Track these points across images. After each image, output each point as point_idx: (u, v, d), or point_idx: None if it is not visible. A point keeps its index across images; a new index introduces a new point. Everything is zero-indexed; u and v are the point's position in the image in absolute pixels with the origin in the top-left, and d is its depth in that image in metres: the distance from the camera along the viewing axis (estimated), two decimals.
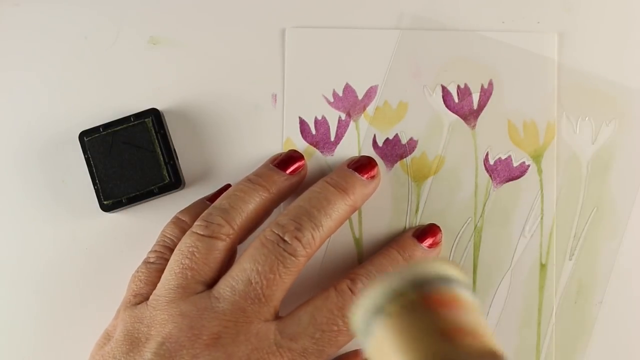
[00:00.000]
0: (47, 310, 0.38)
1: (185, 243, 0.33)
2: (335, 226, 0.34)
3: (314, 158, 0.38)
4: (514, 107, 0.38)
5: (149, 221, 0.38)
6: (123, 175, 0.37)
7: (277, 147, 0.38)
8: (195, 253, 0.33)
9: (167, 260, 0.35)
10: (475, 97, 0.38)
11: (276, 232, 0.32)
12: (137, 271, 0.35)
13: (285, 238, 0.32)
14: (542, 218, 0.38)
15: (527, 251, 0.37)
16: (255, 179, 0.35)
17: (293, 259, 0.32)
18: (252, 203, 0.34)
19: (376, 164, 0.36)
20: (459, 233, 0.38)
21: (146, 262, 0.35)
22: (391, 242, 0.36)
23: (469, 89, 0.38)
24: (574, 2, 0.39)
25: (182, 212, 0.36)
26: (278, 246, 0.32)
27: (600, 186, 0.38)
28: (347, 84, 0.39)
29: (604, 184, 0.38)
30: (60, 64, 0.39)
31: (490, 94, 0.38)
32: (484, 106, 0.38)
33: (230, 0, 0.39)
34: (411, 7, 0.39)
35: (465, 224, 0.38)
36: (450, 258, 0.38)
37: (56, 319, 0.38)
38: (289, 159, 0.36)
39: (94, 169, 0.37)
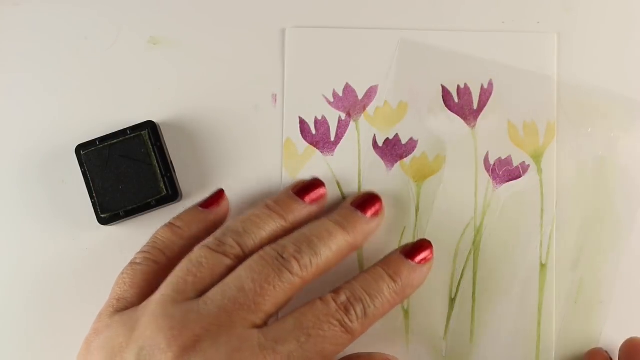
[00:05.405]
0: (44, 322, 0.38)
1: (195, 254, 0.33)
2: (334, 259, 0.34)
3: (314, 158, 0.38)
4: (514, 107, 0.38)
5: (146, 234, 0.37)
6: (120, 188, 0.37)
7: (277, 148, 0.38)
8: (203, 263, 0.32)
9: (155, 262, 0.34)
10: (475, 97, 0.38)
11: (275, 249, 0.32)
12: (122, 273, 0.35)
13: (284, 256, 0.32)
14: (542, 218, 0.38)
15: (527, 251, 0.37)
16: (273, 206, 0.35)
17: (289, 275, 0.32)
18: (266, 230, 0.34)
19: (380, 201, 0.36)
20: (459, 233, 0.38)
21: (132, 262, 0.35)
22: (378, 261, 0.35)
23: (469, 89, 0.38)
24: (574, 2, 0.39)
25: (175, 218, 0.36)
26: (277, 260, 0.32)
27: (601, 182, 0.38)
28: (347, 84, 0.39)
29: (604, 180, 0.38)
30: (60, 64, 0.39)
31: (490, 94, 0.38)
32: (484, 106, 0.38)
33: (230, 0, 0.39)
34: (412, 7, 0.39)
35: (466, 225, 0.38)
36: (452, 259, 0.38)
37: (53, 331, 0.38)
38: (310, 187, 0.36)
39: (90, 182, 0.37)
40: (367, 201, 0.36)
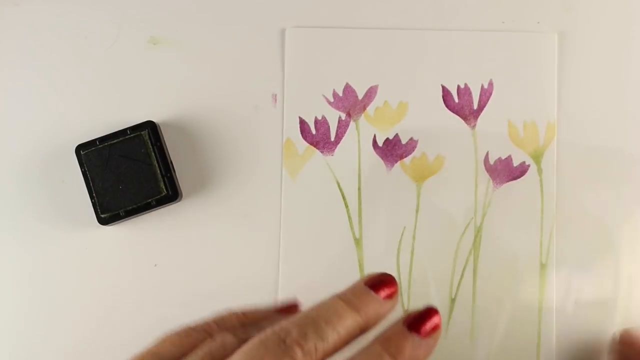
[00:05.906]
0: (44, 322, 0.38)
1: (222, 337, 0.31)
2: (342, 343, 0.31)
3: (314, 158, 0.38)
4: (514, 107, 0.38)
5: (146, 233, 0.38)
6: (120, 188, 0.37)
7: (277, 148, 0.38)
8: (225, 346, 0.31)
9: (207, 332, 0.32)
10: (475, 97, 0.38)
11: (277, 332, 0.30)
12: (174, 330, 0.32)
13: (287, 341, 0.29)
14: (542, 218, 0.38)
15: (527, 251, 0.37)
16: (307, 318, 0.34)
17: None
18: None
19: (396, 283, 0.33)
20: (459, 233, 0.38)
21: (188, 326, 0.32)
22: (376, 336, 0.31)
23: (469, 89, 0.38)
24: (574, 2, 0.39)
25: (247, 308, 0.34)
26: (277, 347, 0.29)
27: (600, 182, 0.38)
28: (347, 84, 0.39)
29: (604, 180, 0.38)
30: (60, 63, 0.39)
31: (490, 94, 0.38)
32: (484, 106, 0.38)
33: (230, 1, 0.39)
34: (411, 7, 0.39)
35: (466, 225, 0.38)
36: (452, 259, 0.38)
37: (53, 330, 0.38)
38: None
39: (90, 182, 0.37)
40: (382, 282, 0.33)
